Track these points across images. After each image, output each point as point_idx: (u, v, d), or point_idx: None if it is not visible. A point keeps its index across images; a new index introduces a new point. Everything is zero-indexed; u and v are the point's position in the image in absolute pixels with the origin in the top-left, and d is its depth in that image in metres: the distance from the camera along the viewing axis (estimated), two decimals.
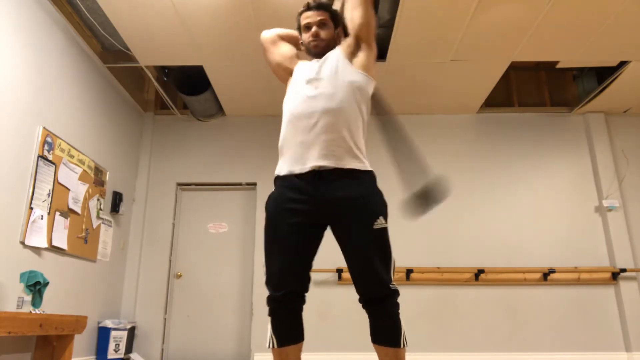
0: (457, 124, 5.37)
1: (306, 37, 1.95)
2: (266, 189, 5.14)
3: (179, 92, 4.93)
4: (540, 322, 4.68)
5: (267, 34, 2.05)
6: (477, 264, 4.83)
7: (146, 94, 5.48)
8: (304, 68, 1.90)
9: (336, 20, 1.98)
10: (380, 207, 1.70)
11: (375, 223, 1.64)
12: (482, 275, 4.77)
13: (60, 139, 3.69)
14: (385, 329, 1.62)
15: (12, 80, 3.17)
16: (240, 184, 5.22)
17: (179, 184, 5.25)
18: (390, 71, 4.52)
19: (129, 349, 4.45)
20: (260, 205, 5.03)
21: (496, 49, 4.18)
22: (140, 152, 5.27)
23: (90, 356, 4.19)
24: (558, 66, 4.85)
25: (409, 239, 4.72)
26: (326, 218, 1.72)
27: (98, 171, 4.32)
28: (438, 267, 4.81)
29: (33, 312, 3.15)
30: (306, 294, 1.72)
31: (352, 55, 1.87)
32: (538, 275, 4.79)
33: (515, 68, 5.27)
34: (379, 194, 1.74)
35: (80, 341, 3.99)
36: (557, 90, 5.45)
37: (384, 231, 1.67)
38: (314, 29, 1.91)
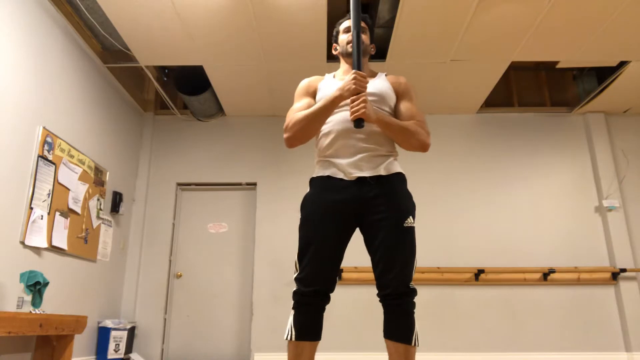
0: (457, 124, 5.37)
1: (344, 38, 1.98)
2: (266, 189, 5.19)
3: (179, 92, 4.93)
4: (540, 322, 4.68)
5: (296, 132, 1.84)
6: (477, 264, 4.83)
7: (146, 94, 5.49)
8: (335, 83, 1.91)
9: (372, 35, 2.04)
10: (411, 207, 1.77)
11: (406, 221, 1.72)
12: (482, 275, 4.78)
13: (60, 139, 3.70)
14: (400, 325, 1.67)
15: (12, 80, 3.17)
16: (240, 184, 5.22)
17: (179, 184, 5.26)
18: (390, 71, 4.50)
19: (129, 349, 4.45)
20: (260, 205, 5.04)
21: (496, 49, 4.19)
22: (140, 152, 5.27)
23: (90, 356, 4.19)
24: (558, 66, 4.84)
25: None
26: (360, 217, 1.76)
27: (98, 171, 4.32)
28: (438, 267, 4.81)
29: (33, 312, 3.15)
30: (331, 294, 1.76)
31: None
32: (538, 275, 4.79)
33: (515, 68, 5.28)
34: (409, 195, 1.81)
35: (80, 341, 3.99)
36: (557, 90, 5.45)
37: (412, 230, 1.74)
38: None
